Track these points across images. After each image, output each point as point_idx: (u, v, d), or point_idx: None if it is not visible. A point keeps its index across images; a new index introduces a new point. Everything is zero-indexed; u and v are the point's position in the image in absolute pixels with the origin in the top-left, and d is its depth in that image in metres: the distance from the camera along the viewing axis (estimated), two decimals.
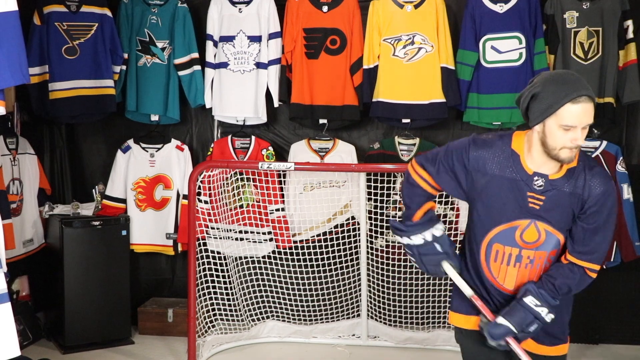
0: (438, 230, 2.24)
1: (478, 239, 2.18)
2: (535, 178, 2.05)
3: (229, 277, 4.21)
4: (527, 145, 2.07)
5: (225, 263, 4.17)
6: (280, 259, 4.29)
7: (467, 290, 2.21)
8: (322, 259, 4.25)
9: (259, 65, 4.31)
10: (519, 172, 2.06)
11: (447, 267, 2.25)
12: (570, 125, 1.93)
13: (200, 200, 4.04)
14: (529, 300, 2.06)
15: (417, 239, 2.22)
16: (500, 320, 2.09)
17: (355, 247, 4.20)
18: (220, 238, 4.18)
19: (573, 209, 2.06)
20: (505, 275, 2.16)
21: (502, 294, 2.20)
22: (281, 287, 4.32)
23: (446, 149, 2.19)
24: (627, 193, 4.10)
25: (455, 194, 2.21)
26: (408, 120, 4.23)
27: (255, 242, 4.27)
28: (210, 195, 4.09)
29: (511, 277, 2.15)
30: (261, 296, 4.36)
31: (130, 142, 4.45)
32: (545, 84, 1.98)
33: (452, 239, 4.07)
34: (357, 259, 4.20)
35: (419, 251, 2.24)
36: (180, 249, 4.44)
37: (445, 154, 2.18)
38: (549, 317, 2.08)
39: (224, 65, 4.33)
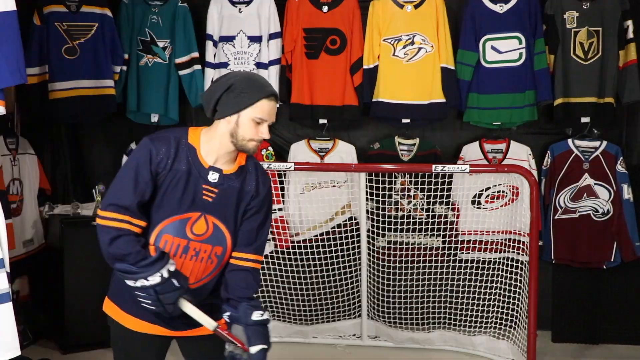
0: (172, 264, 2.05)
1: (149, 228, 2.13)
2: (211, 172, 2.12)
3: None
4: (204, 140, 2.13)
5: None
6: (281, 258, 4.29)
7: (212, 323, 2.10)
8: (322, 259, 4.24)
9: (259, 65, 4.31)
10: (196, 165, 2.11)
11: (185, 304, 2.09)
12: (262, 119, 2.08)
13: None
14: (257, 315, 2.11)
15: (154, 279, 1.99)
16: (255, 348, 2.08)
17: (355, 247, 4.19)
18: None
19: (240, 205, 2.18)
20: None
21: None
22: (281, 287, 4.32)
23: (129, 167, 2.08)
24: (627, 193, 4.10)
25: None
26: (408, 120, 4.24)
27: None
28: None
29: (178, 267, 2.11)
30: (262, 296, 4.36)
31: (133, 145, 4.45)
32: (241, 79, 2.09)
33: (452, 239, 4.14)
34: (357, 259, 4.20)
35: (157, 290, 2.00)
36: None
37: (131, 175, 2.05)
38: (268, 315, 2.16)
39: (224, 65, 4.33)
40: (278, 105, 4.36)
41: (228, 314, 2.13)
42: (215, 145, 2.12)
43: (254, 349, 2.08)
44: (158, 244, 2.13)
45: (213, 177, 2.12)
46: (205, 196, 2.12)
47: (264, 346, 2.11)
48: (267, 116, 2.09)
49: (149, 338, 2.23)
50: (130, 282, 1.99)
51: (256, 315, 2.11)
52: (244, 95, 2.06)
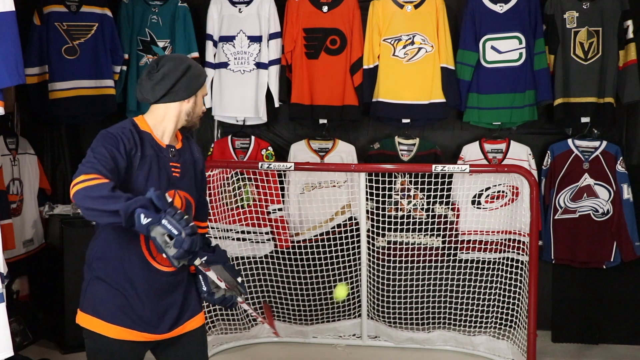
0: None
1: None
2: (170, 150, 2.22)
3: None
4: (152, 123, 2.20)
5: None
6: (280, 258, 4.29)
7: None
8: (322, 259, 4.24)
9: (259, 65, 4.31)
10: (158, 147, 2.19)
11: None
12: (205, 94, 2.32)
13: None
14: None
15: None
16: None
17: (355, 247, 4.19)
18: (220, 238, 4.18)
19: (195, 174, 2.33)
20: None
21: (161, 272, 2.19)
22: (281, 287, 4.32)
23: (96, 145, 2.05)
24: (627, 193, 4.10)
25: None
26: (408, 120, 4.24)
27: (255, 242, 4.27)
28: (210, 195, 4.08)
29: None
30: (262, 296, 4.36)
31: None
32: (193, 62, 2.23)
33: (452, 239, 4.13)
34: (357, 259, 4.19)
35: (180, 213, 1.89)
36: None
37: (98, 149, 2.03)
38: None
39: (224, 65, 4.33)
40: (277, 105, 4.41)
41: (205, 258, 2.12)
42: (169, 126, 2.20)
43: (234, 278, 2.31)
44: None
45: (172, 154, 2.21)
46: (174, 173, 2.21)
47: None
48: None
49: (130, 345, 2.22)
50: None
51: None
52: (199, 75, 2.22)
